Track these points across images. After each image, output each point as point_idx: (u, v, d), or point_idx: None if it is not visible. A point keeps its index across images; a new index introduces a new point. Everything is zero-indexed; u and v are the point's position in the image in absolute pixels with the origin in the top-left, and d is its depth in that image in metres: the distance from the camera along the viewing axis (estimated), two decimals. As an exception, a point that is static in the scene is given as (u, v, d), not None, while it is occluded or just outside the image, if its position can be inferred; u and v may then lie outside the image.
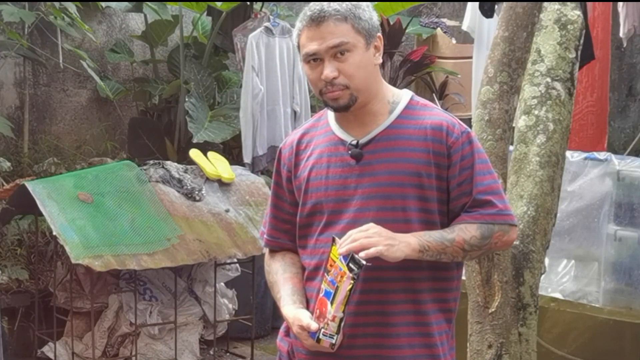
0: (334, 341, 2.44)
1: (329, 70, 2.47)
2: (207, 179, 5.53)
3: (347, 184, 2.53)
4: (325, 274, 2.46)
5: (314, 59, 2.49)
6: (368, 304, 2.48)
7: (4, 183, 5.83)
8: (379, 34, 2.56)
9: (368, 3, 2.57)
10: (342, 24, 2.48)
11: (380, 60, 2.57)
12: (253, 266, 5.44)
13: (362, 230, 2.42)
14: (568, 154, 4.20)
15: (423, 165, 2.50)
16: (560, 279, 4.78)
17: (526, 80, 3.59)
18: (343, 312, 2.41)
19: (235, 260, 5.47)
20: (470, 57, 6.47)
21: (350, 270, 2.37)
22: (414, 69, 7.07)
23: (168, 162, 5.60)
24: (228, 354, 5.76)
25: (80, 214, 4.96)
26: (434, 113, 2.57)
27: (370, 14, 2.54)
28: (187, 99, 6.23)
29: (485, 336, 3.35)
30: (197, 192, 5.39)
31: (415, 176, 2.50)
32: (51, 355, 5.27)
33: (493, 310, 3.32)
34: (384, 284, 2.49)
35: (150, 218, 5.10)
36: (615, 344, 4.39)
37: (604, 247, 4.58)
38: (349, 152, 2.53)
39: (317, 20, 2.48)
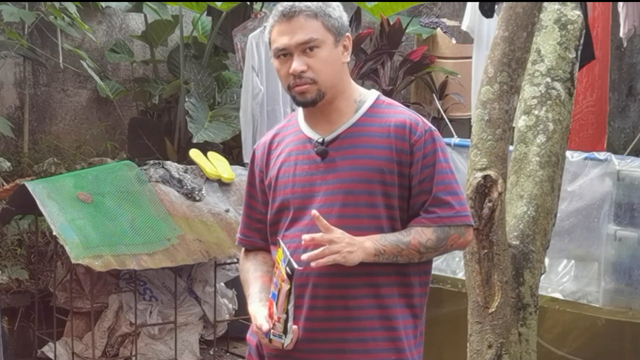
0: (282, 341, 2.49)
1: (297, 64, 2.54)
2: (207, 179, 5.53)
3: (313, 181, 2.59)
4: (273, 276, 2.53)
5: (283, 54, 2.56)
6: (332, 299, 2.54)
7: (4, 183, 5.83)
8: (348, 34, 2.63)
9: (338, 3, 2.63)
10: (313, 20, 2.55)
11: (349, 59, 2.64)
12: (253, 266, 5.43)
13: (327, 238, 2.46)
14: (568, 154, 4.19)
15: (386, 162, 2.56)
16: (560, 279, 4.78)
17: (526, 80, 3.58)
18: (285, 313, 2.46)
19: (235, 260, 5.46)
20: (470, 57, 6.47)
21: (287, 274, 2.43)
22: (414, 69, 7.07)
23: (168, 162, 5.60)
24: (228, 354, 5.76)
25: (80, 214, 4.96)
26: (398, 111, 2.63)
27: (340, 13, 2.61)
28: (187, 99, 6.23)
29: (485, 336, 3.34)
30: (197, 192, 5.39)
31: (378, 172, 2.56)
32: (51, 355, 5.27)
33: (493, 310, 3.32)
34: (347, 279, 2.54)
35: (150, 218, 5.11)
36: (615, 344, 4.39)
37: (604, 247, 4.58)
38: (315, 149, 2.60)
39: (288, 16, 2.55)
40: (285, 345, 2.49)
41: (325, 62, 2.56)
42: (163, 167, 5.47)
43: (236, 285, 5.71)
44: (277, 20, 2.57)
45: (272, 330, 2.49)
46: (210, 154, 5.73)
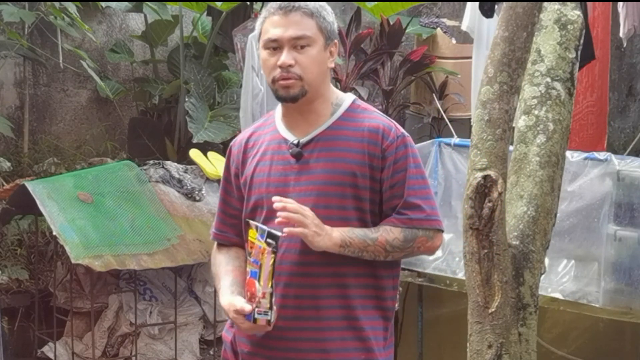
0: (269, 317, 2.51)
1: (286, 57, 2.57)
2: (207, 179, 5.53)
3: (287, 182, 2.63)
4: (248, 257, 2.55)
5: (273, 47, 2.59)
6: (302, 298, 2.59)
7: (4, 183, 5.83)
8: (336, 41, 2.68)
9: (331, 9, 2.68)
10: (308, 19, 2.59)
11: (333, 65, 2.69)
12: (253, 266, 5.44)
13: (299, 209, 2.51)
14: (568, 154, 4.20)
15: (358, 166, 2.61)
16: (560, 279, 4.78)
17: (526, 80, 3.58)
18: (271, 287, 2.49)
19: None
20: (470, 57, 6.47)
21: (269, 244, 2.47)
22: (414, 69, 7.07)
23: (168, 162, 5.60)
24: (228, 354, 5.76)
25: (80, 214, 4.96)
26: (372, 116, 2.68)
27: (333, 18, 2.66)
28: (187, 99, 6.23)
29: (485, 336, 3.34)
30: (197, 192, 5.39)
31: (351, 176, 2.60)
32: (51, 355, 5.27)
33: (493, 310, 3.32)
34: (317, 279, 2.60)
35: (150, 218, 5.11)
36: (615, 344, 4.39)
37: (604, 247, 4.58)
38: (290, 151, 2.64)
39: (285, 9, 2.59)
40: (271, 322, 2.51)
41: (313, 61, 2.59)
42: (163, 167, 5.48)
43: (236, 285, 5.71)
44: (272, 12, 2.60)
45: (256, 309, 2.50)
46: (210, 154, 5.73)
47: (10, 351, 5.36)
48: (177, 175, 5.44)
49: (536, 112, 3.57)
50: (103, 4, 6.72)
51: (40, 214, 5.05)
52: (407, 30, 7.17)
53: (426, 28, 7.51)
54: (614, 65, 8.03)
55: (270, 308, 2.51)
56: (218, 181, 5.53)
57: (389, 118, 2.74)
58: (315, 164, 2.62)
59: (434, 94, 7.12)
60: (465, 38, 7.20)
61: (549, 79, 3.59)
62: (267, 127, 2.74)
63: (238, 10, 6.53)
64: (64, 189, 5.07)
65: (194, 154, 5.68)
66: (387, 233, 2.61)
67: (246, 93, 6.07)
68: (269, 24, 2.60)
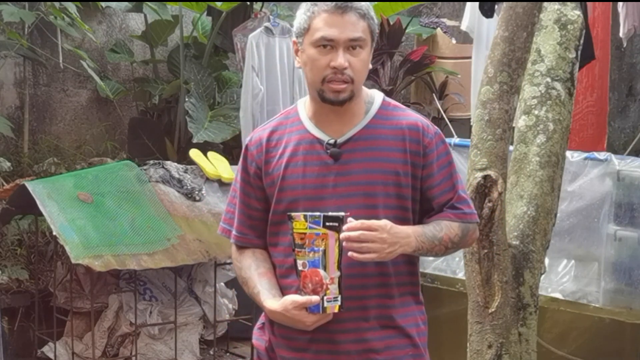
0: (339, 302, 2.47)
1: (343, 60, 2.50)
2: (207, 179, 5.53)
3: (325, 183, 2.56)
4: (300, 249, 2.48)
5: (326, 45, 2.51)
6: (349, 299, 2.52)
7: (4, 183, 5.82)
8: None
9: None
10: (362, 20, 2.53)
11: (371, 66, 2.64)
12: (253, 266, 5.43)
13: (372, 229, 2.43)
14: (568, 154, 4.20)
15: (400, 165, 2.56)
16: (560, 279, 4.78)
17: (526, 80, 3.59)
18: (339, 269, 2.45)
19: (235, 260, 5.47)
20: (470, 57, 6.47)
21: (330, 228, 2.43)
22: (414, 69, 7.07)
23: (168, 162, 5.60)
24: (228, 354, 5.76)
25: (80, 214, 4.96)
26: (407, 114, 2.65)
27: (376, 19, 2.60)
28: (187, 99, 6.23)
29: (485, 336, 3.34)
30: (197, 192, 5.39)
31: (393, 175, 2.56)
32: (51, 355, 5.27)
33: (493, 310, 3.32)
34: (362, 279, 2.55)
35: (150, 218, 5.10)
36: (615, 344, 4.39)
37: (604, 247, 4.58)
38: (328, 151, 2.57)
39: (342, 8, 2.50)
40: (342, 308, 2.48)
41: (364, 64, 2.55)
42: (163, 167, 5.47)
43: (236, 285, 5.70)
44: (326, 9, 2.50)
45: (325, 298, 2.45)
46: (210, 154, 5.73)
47: (10, 351, 5.36)
48: (177, 175, 5.44)
49: (536, 112, 3.57)
50: (103, 4, 6.72)
51: (40, 214, 5.04)
52: (407, 30, 7.17)
53: (426, 28, 7.52)
54: (614, 65, 8.03)
55: (340, 293, 2.46)
56: (218, 181, 5.56)
57: (421, 114, 2.72)
58: (356, 164, 2.56)
59: (434, 94, 7.13)
60: (465, 38, 7.20)
61: (549, 79, 3.59)
62: (290, 125, 2.64)
63: (238, 10, 6.53)
64: (64, 189, 5.06)
65: (194, 154, 5.68)
66: (449, 230, 2.57)
67: (246, 93, 6.08)
68: (322, 21, 2.50)
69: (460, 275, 4.59)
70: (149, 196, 5.23)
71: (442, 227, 2.57)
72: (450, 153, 2.64)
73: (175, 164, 5.62)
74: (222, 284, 5.65)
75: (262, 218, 2.66)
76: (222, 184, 5.54)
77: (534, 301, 3.45)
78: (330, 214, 2.43)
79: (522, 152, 3.56)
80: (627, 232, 4.55)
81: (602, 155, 4.65)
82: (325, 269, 2.45)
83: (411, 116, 2.63)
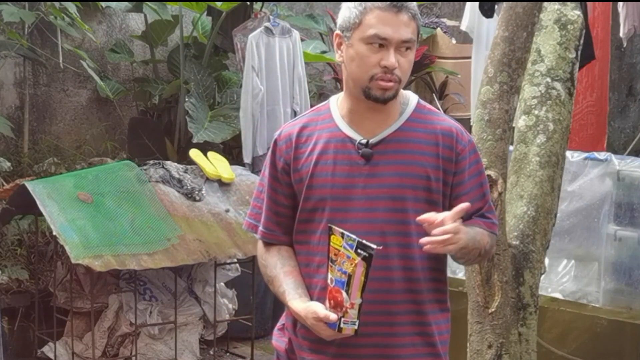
0: (356, 327, 2.44)
1: (394, 60, 2.46)
2: (207, 179, 5.53)
3: (354, 183, 2.52)
4: (332, 264, 2.44)
5: (378, 44, 2.47)
6: (375, 303, 2.48)
7: (4, 183, 5.82)
8: None
9: None
10: (413, 21, 2.50)
11: None
12: (253, 266, 5.44)
13: (453, 238, 2.39)
14: (568, 154, 4.20)
15: (432, 169, 2.52)
16: (560, 279, 4.78)
17: (526, 80, 3.59)
18: (361, 297, 2.41)
19: (235, 260, 5.47)
20: (470, 57, 6.47)
21: (359, 255, 2.38)
22: (414, 69, 7.00)
23: (168, 162, 5.60)
24: (228, 354, 5.76)
25: (80, 214, 4.95)
26: (441, 118, 2.61)
27: (421, 21, 2.58)
28: (187, 99, 6.23)
29: (485, 336, 3.34)
30: (197, 192, 5.39)
31: (425, 179, 2.51)
32: (51, 355, 5.27)
33: (493, 310, 3.32)
34: (390, 284, 2.51)
35: (150, 218, 5.10)
36: (615, 344, 4.39)
37: (604, 247, 4.59)
38: (359, 151, 2.52)
39: (397, 7, 2.47)
40: (358, 331, 2.45)
41: (410, 65, 2.52)
42: (163, 167, 5.47)
43: (236, 285, 5.71)
44: (380, 6, 2.46)
45: (342, 319, 2.43)
46: (210, 154, 5.73)
47: (10, 351, 5.36)
48: (177, 175, 5.43)
49: (536, 112, 3.57)
50: (103, 4, 6.71)
51: (40, 214, 5.04)
52: (407, 30, 7.16)
53: (426, 28, 7.52)
54: (614, 65, 8.03)
55: (358, 318, 2.44)
56: (218, 181, 5.56)
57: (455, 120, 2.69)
58: (387, 166, 2.51)
59: (434, 94, 7.13)
60: (465, 38, 7.20)
61: (549, 79, 3.60)
62: (322, 122, 2.60)
63: (238, 10, 6.53)
64: (64, 189, 5.06)
65: (194, 154, 5.68)
66: (482, 236, 2.54)
67: (246, 93, 6.08)
68: (376, 18, 2.46)
69: (460, 275, 4.59)
70: (149, 196, 5.23)
71: (478, 232, 2.53)
72: (481, 162, 2.61)
73: (175, 164, 5.62)
74: (222, 284, 5.65)
75: (289, 215, 2.61)
76: (222, 184, 5.54)
77: (534, 301, 3.45)
78: (364, 241, 2.37)
79: (522, 152, 3.56)
80: (627, 232, 4.55)
81: (602, 155, 4.66)
82: (347, 292, 2.42)
83: (446, 121, 2.59)
